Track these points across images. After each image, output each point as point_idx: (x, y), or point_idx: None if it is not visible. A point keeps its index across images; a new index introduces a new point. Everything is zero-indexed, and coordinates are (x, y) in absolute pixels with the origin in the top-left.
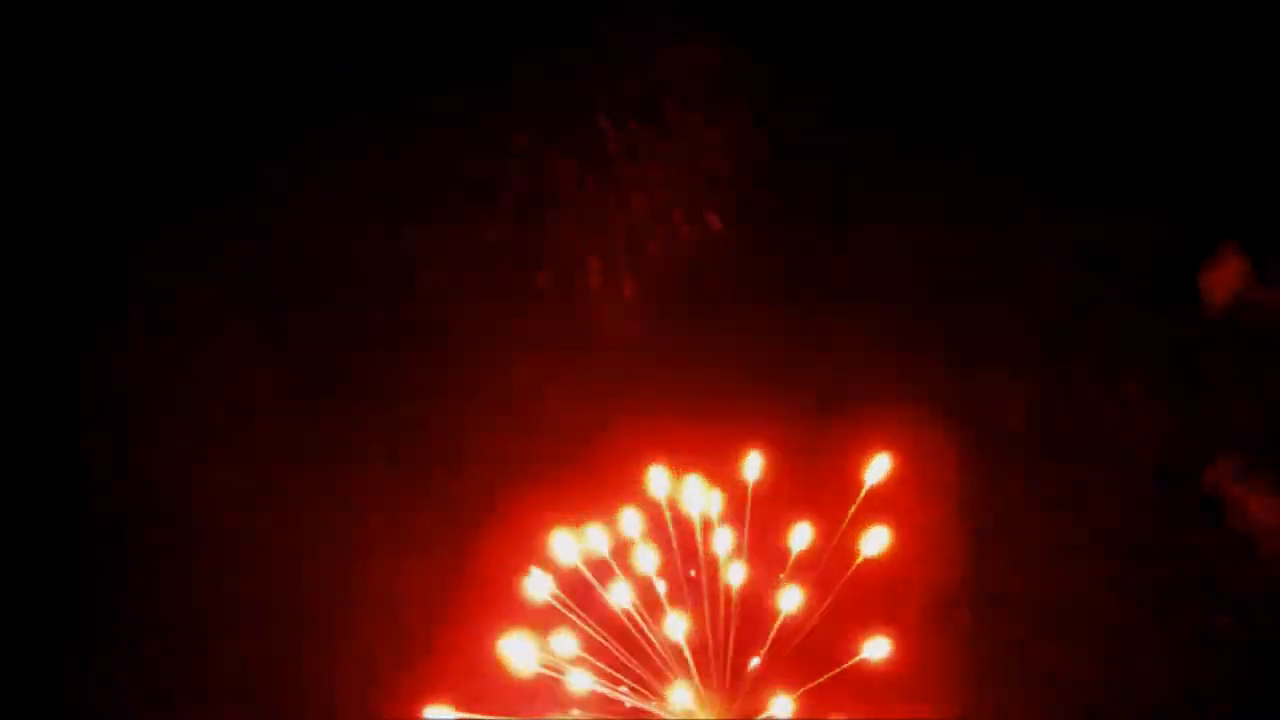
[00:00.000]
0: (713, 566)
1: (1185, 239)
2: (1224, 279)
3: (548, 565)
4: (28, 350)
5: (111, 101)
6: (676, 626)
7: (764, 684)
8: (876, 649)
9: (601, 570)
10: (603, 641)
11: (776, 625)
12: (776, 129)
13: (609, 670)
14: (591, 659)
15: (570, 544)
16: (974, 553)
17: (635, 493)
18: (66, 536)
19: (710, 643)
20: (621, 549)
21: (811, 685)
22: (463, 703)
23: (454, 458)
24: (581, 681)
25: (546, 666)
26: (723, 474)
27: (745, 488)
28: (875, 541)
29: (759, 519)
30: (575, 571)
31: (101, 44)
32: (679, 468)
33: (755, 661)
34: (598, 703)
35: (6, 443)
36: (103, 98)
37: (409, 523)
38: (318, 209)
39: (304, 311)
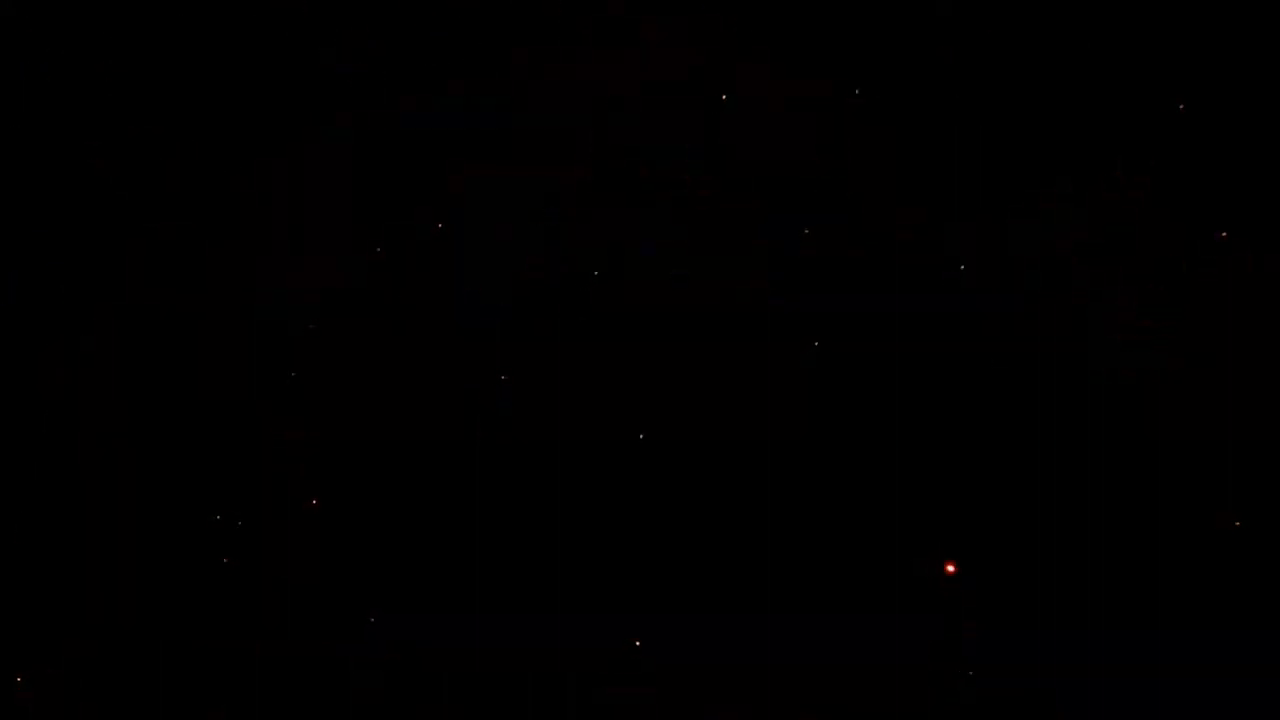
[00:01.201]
0: None
1: (1185, 235)
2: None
3: None
4: (27, 350)
5: (111, 101)
6: None
7: None
8: None
9: None
10: None
11: None
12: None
13: None
14: None
15: None
16: None
17: None
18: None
19: None
20: None
21: None
22: None
23: None
24: None
25: None
26: None
27: None
28: None
29: None
30: None
31: (101, 44)
32: None
33: None
34: None
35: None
36: (102, 98)
37: None
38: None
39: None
